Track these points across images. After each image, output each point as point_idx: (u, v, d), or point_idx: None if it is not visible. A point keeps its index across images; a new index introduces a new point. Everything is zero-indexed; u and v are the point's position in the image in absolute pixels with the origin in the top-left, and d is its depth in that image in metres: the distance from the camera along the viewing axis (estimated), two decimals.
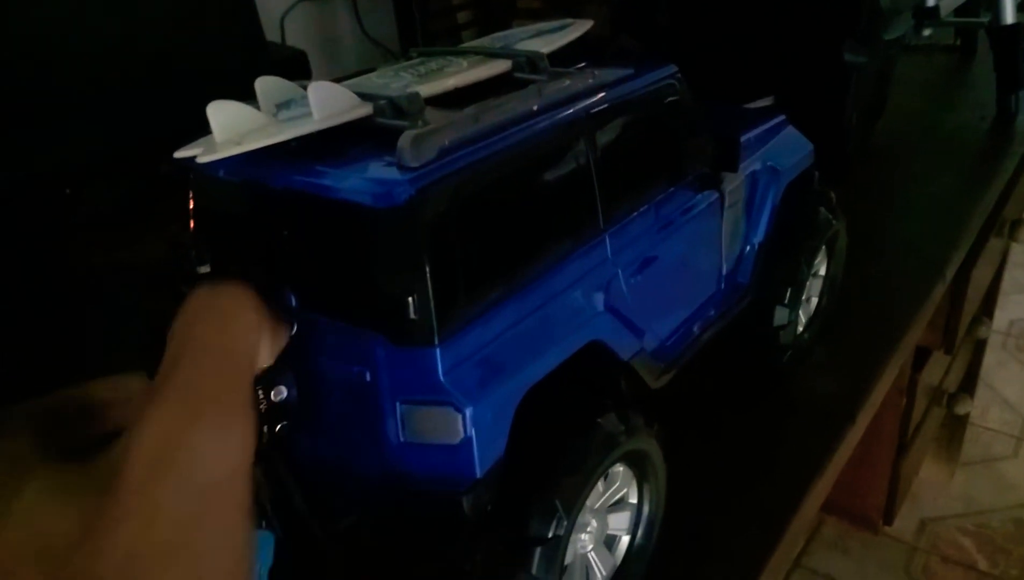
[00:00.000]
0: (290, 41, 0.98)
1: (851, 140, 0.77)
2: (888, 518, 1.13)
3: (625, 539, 0.38)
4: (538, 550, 0.31)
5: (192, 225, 0.32)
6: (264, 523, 0.33)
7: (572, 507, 0.32)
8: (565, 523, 0.31)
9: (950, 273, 0.67)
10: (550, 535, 0.31)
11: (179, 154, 0.30)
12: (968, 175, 0.80)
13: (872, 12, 0.71)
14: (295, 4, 1.00)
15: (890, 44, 0.77)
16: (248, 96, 0.32)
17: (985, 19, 0.90)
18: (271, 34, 0.91)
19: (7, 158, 0.55)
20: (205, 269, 0.29)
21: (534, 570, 0.31)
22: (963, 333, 1.02)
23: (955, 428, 1.33)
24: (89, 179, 0.79)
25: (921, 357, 0.93)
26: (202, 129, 0.31)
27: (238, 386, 0.23)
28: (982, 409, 1.51)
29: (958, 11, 0.94)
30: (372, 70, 0.37)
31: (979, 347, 1.26)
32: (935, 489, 1.37)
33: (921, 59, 1.08)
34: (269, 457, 0.31)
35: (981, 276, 0.96)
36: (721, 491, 0.44)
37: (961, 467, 1.40)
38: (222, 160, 0.29)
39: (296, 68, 0.85)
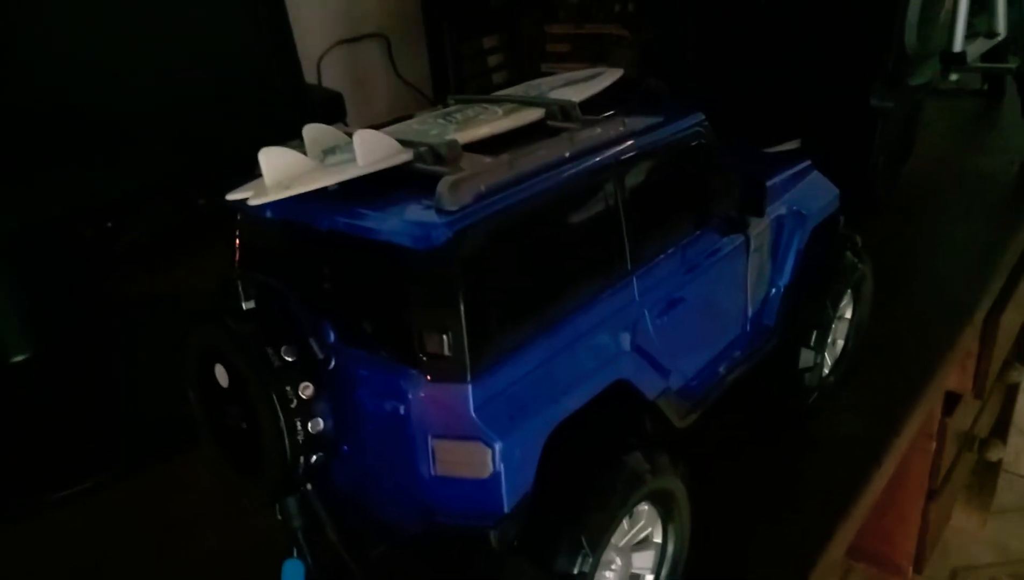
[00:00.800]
0: (326, 83, 1.02)
1: (878, 184, 0.78)
2: (918, 566, 1.10)
3: (649, 578, 0.38)
4: None
5: (238, 261, 0.34)
6: (295, 553, 0.34)
7: (598, 544, 0.32)
8: (591, 560, 0.32)
9: (979, 317, 0.67)
10: (576, 572, 0.31)
11: (231, 197, 0.32)
12: (997, 219, 0.80)
13: (899, 57, 0.72)
14: (332, 47, 1.04)
15: (917, 89, 0.78)
16: (289, 135, 0.34)
17: (1013, 64, 0.90)
18: (308, 76, 0.94)
19: (52, 193, 0.57)
20: (250, 305, 0.31)
21: None
22: (994, 378, 1.00)
23: (987, 474, 1.30)
24: (130, 213, 0.82)
25: (951, 402, 0.92)
26: (245, 166, 0.32)
27: None
28: (1015, 455, 1.47)
29: (985, 56, 0.94)
30: (411, 116, 0.38)
31: (1011, 392, 1.23)
32: (967, 537, 1.33)
33: (948, 103, 1.08)
34: (303, 487, 0.32)
35: (1011, 320, 0.95)
36: (744, 533, 0.44)
37: (993, 515, 1.36)
38: (270, 202, 0.30)
39: (332, 109, 0.88)
